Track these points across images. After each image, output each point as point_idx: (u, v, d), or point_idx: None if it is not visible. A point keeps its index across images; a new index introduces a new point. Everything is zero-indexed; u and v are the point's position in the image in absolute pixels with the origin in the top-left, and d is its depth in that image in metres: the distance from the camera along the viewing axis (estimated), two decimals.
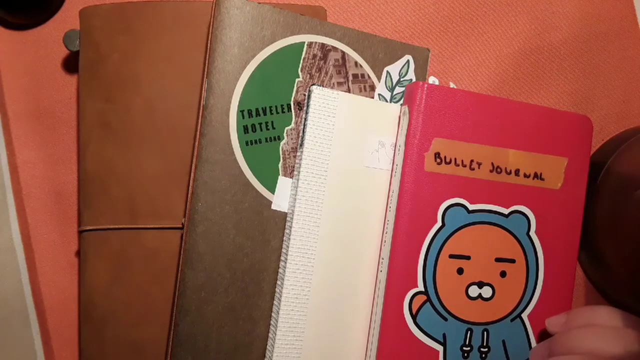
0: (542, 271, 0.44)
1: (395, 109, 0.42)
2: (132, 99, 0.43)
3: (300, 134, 0.41)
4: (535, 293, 0.44)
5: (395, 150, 0.41)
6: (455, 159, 0.41)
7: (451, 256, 0.41)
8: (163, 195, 0.43)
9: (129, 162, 0.43)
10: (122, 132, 0.43)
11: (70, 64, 0.48)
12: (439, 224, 0.41)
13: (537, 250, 0.43)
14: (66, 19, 0.48)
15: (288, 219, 0.40)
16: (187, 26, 0.43)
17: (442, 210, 0.41)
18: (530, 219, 0.43)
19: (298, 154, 0.40)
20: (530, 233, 0.43)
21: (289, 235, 0.40)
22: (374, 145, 0.41)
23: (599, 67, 0.51)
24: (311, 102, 0.40)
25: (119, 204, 0.43)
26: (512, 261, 0.43)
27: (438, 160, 0.41)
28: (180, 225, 0.42)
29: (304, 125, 0.40)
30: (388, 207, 0.41)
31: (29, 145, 0.47)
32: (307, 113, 0.40)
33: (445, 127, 0.41)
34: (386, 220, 0.41)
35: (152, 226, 0.43)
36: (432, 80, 0.43)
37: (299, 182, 0.40)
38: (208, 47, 0.40)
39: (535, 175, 0.43)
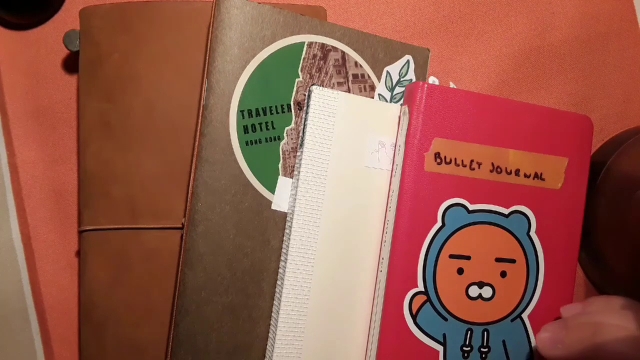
0: (542, 271, 0.44)
1: (395, 109, 0.42)
2: (132, 99, 0.43)
3: (300, 134, 0.41)
4: (536, 293, 0.43)
5: (395, 150, 0.41)
6: (455, 159, 0.41)
7: (451, 256, 0.41)
8: (163, 195, 0.43)
9: (129, 162, 0.43)
10: (122, 132, 0.43)
11: (70, 64, 0.48)
12: (439, 224, 0.41)
13: (538, 250, 0.43)
14: (66, 19, 0.48)
15: (288, 219, 0.40)
16: (187, 26, 0.43)
17: (442, 210, 0.41)
18: (530, 219, 0.43)
19: (298, 154, 0.40)
20: (531, 233, 0.43)
21: (289, 235, 0.40)
22: (374, 145, 0.41)
23: (599, 67, 0.51)
24: (311, 102, 0.40)
25: (119, 204, 0.43)
26: (513, 261, 0.43)
27: (438, 160, 0.41)
28: (180, 225, 0.42)
29: (304, 125, 0.40)
30: (388, 207, 0.41)
31: (29, 145, 0.47)
32: (307, 113, 0.40)
33: (445, 127, 0.41)
34: (386, 220, 0.41)
35: (152, 226, 0.43)
36: (432, 80, 0.43)
37: (299, 182, 0.40)
38: (208, 47, 0.40)
39: (536, 175, 0.43)
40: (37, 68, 0.47)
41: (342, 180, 0.40)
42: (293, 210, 0.40)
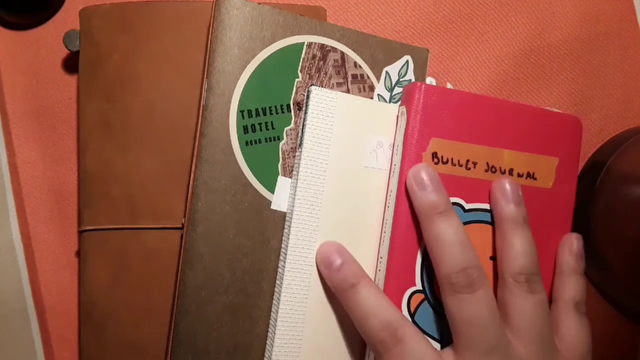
0: None
1: (394, 109, 0.42)
2: (132, 99, 0.43)
3: (299, 134, 0.41)
4: None
5: (393, 150, 0.42)
6: (452, 159, 0.41)
7: None
8: (163, 195, 0.43)
9: (129, 162, 0.43)
10: (122, 132, 0.43)
11: (70, 64, 0.48)
12: None
13: None
14: (66, 19, 0.48)
15: (287, 218, 0.40)
16: (187, 26, 0.43)
17: None
18: None
19: (297, 154, 0.41)
20: None
21: (288, 235, 0.40)
22: (372, 145, 0.41)
23: (599, 67, 0.51)
24: (310, 103, 0.40)
25: (119, 204, 0.43)
26: None
27: (435, 160, 0.41)
28: (180, 225, 0.42)
29: (303, 125, 0.40)
30: (386, 207, 0.41)
31: (29, 145, 0.47)
32: (305, 113, 0.40)
33: (442, 127, 0.41)
34: (384, 219, 0.41)
35: (152, 226, 0.43)
36: (430, 80, 0.44)
37: (298, 182, 0.40)
38: (208, 48, 0.40)
39: (528, 175, 0.43)
40: (37, 68, 0.47)
41: (341, 180, 0.40)
42: (292, 210, 0.40)
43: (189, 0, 0.44)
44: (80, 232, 0.43)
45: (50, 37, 0.48)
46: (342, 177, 0.40)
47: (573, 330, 0.40)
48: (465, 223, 0.42)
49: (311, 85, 0.41)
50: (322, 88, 0.40)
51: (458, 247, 0.37)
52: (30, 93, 0.47)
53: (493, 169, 0.42)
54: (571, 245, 0.43)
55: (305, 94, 0.41)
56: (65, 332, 0.47)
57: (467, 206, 0.42)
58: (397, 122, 0.42)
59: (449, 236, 0.37)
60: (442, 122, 0.41)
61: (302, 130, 0.40)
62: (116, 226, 0.43)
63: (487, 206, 0.42)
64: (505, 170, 0.42)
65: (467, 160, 0.41)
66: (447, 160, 0.41)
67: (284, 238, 0.40)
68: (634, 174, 0.45)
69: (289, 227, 0.40)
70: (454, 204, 0.41)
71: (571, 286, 0.42)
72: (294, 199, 0.40)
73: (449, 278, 0.37)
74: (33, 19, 0.47)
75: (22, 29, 0.48)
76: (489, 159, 0.42)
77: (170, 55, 0.43)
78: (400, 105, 0.42)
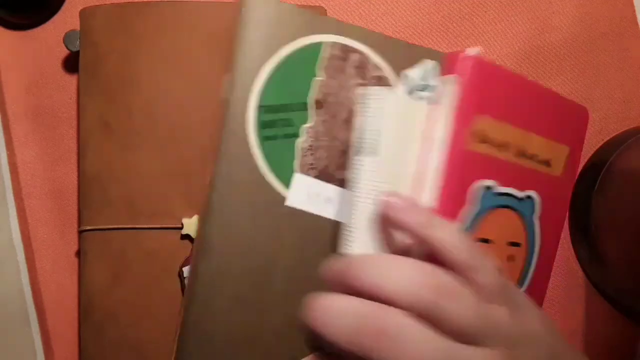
0: (536, 254, 0.44)
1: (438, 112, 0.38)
2: (132, 99, 0.43)
3: (358, 139, 0.37)
4: (527, 276, 0.44)
5: (433, 124, 0.38)
6: (492, 139, 0.39)
7: (477, 240, 0.40)
8: (163, 195, 0.43)
9: (128, 162, 0.43)
10: (122, 132, 0.43)
11: (70, 64, 0.48)
12: (470, 205, 0.39)
13: (536, 234, 0.43)
14: (66, 19, 0.48)
15: (343, 233, 0.37)
16: (187, 26, 0.43)
17: (475, 191, 0.39)
18: (536, 203, 0.43)
19: (355, 161, 0.38)
20: (534, 217, 0.43)
21: (348, 248, 0.36)
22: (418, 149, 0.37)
23: (599, 67, 0.51)
24: (368, 104, 0.37)
25: (119, 204, 0.43)
26: (518, 245, 0.43)
27: (478, 138, 0.38)
28: (180, 225, 0.42)
29: (362, 128, 0.37)
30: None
31: (29, 145, 0.47)
32: (364, 116, 0.37)
33: (487, 104, 0.38)
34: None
35: (151, 226, 0.43)
36: (476, 51, 0.39)
37: (359, 191, 0.36)
38: (231, 44, 0.40)
39: (546, 161, 0.43)
40: (37, 68, 0.47)
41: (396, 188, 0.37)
42: (352, 222, 0.36)
43: (189, 1, 0.44)
44: (80, 232, 0.43)
45: (50, 37, 0.48)
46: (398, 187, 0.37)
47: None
48: (494, 207, 0.40)
49: (362, 86, 0.39)
50: (378, 87, 0.37)
51: None
52: (31, 93, 0.47)
53: (522, 154, 0.41)
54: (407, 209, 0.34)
55: (360, 95, 0.38)
56: (65, 332, 0.47)
57: (498, 190, 0.40)
58: (439, 94, 0.38)
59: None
60: (487, 99, 0.38)
61: (362, 135, 0.37)
62: (116, 226, 0.43)
63: (514, 191, 0.41)
64: (530, 156, 0.41)
65: (505, 142, 0.40)
66: (488, 140, 0.39)
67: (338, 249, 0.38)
68: (634, 174, 0.45)
69: (349, 240, 0.36)
70: (488, 186, 0.40)
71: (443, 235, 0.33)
72: (354, 209, 0.36)
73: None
74: (33, 19, 0.47)
75: (22, 29, 0.48)
76: (520, 142, 0.41)
77: (170, 55, 0.43)
78: (443, 75, 0.38)
